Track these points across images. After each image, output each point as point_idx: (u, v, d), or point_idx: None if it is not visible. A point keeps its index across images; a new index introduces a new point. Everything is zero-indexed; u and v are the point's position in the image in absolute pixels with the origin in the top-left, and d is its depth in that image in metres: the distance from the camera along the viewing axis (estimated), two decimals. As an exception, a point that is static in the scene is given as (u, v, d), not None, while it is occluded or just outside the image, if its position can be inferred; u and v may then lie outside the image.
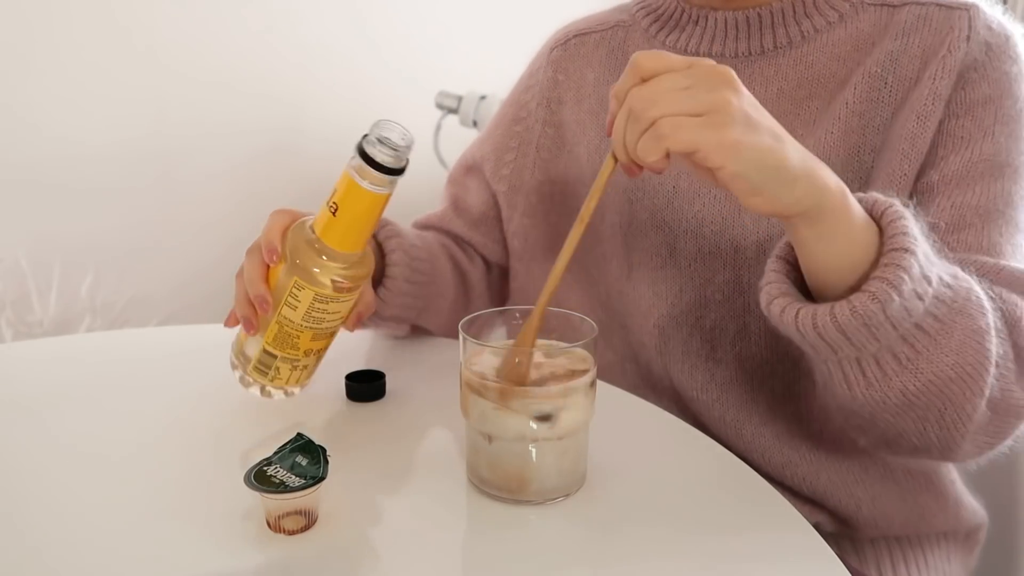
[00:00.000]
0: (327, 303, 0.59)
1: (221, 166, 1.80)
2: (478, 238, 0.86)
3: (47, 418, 0.64)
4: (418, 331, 0.81)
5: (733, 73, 0.48)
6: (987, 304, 0.53)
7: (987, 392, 0.53)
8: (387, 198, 0.58)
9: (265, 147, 1.85)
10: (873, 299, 0.49)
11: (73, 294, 1.75)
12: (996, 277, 0.58)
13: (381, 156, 0.55)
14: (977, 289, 0.53)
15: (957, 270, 0.53)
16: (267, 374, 0.63)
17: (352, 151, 0.57)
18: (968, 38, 0.61)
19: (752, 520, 0.52)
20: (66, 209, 1.72)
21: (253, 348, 0.63)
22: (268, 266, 0.61)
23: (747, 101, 0.48)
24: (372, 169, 0.56)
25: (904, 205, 0.52)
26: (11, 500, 0.53)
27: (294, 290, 0.59)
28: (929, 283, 0.50)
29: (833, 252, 0.51)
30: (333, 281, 0.59)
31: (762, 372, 0.71)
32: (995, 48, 0.61)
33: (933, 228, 0.61)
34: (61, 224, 1.72)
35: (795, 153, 0.48)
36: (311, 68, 1.95)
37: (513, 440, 0.52)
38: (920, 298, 0.49)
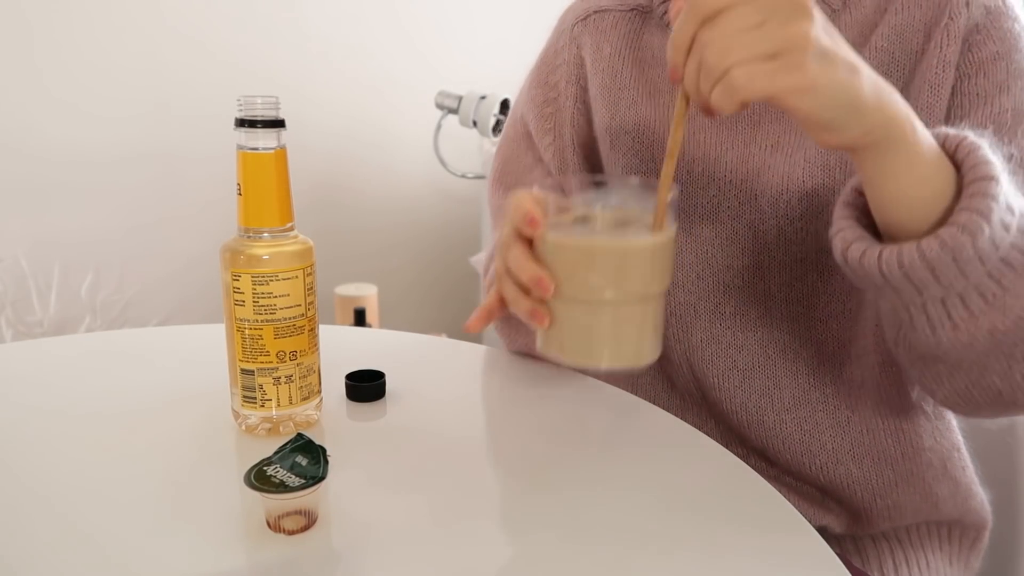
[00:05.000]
0: (267, 284, 0.59)
1: (222, 166, 1.80)
2: None
3: (46, 418, 0.64)
4: None
5: None
6: None
7: None
8: (276, 157, 0.58)
9: (265, 147, 1.85)
10: (963, 231, 0.47)
11: (73, 294, 1.75)
12: None
13: (245, 112, 0.58)
14: None
15: None
16: (255, 399, 0.61)
17: (239, 137, 0.58)
18: (968, 3, 0.62)
19: (753, 522, 0.52)
20: (66, 209, 1.72)
21: (235, 376, 0.62)
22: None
23: (821, 28, 0.46)
24: (246, 127, 0.57)
25: (978, 135, 0.51)
26: (10, 500, 0.53)
27: (234, 283, 0.59)
28: (1012, 213, 0.48)
29: (902, 186, 0.49)
30: (263, 258, 0.59)
31: (785, 358, 0.70)
32: (994, 10, 0.62)
33: None
34: (61, 224, 1.72)
35: (868, 84, 0.47)
36: (312, 68, 1.95)
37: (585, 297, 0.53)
38: (1006, 229, 0.48)
